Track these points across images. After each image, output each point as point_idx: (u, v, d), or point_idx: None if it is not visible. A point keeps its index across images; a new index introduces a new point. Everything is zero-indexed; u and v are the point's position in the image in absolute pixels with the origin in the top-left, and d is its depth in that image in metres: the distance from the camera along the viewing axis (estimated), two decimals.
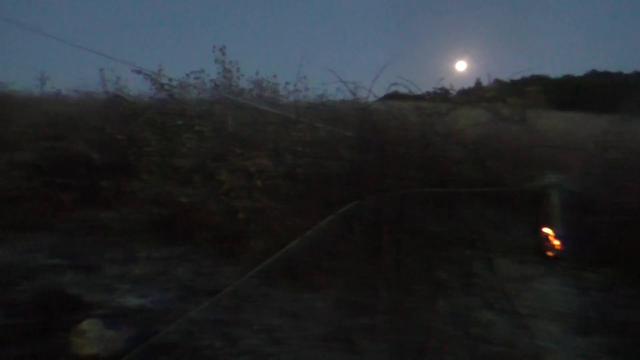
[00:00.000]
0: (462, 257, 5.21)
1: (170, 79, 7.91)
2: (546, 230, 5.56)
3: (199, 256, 5.17)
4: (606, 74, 48.21)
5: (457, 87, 9.38)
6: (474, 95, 8.39)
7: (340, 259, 4.59)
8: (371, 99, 7.65)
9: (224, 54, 7.84)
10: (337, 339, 3.66)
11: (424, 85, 7.66)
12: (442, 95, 8.51)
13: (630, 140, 6.00)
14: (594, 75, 49.32)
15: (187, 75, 8.02)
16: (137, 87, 8.85)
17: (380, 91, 7.78)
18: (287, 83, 8.46)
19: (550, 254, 5.45)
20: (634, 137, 6.06)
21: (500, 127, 7.20)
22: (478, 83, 10.76)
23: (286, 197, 5.18)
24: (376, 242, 4.61)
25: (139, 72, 6.98)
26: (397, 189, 5.25)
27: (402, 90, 7.38)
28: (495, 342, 3.74)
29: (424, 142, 6.27)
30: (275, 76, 8.63)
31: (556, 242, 5.43)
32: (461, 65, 13.60)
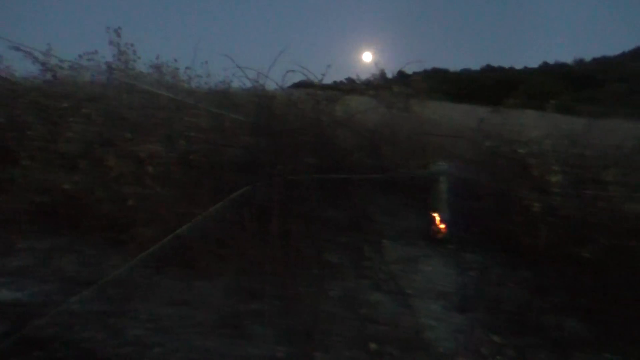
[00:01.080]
0: (353, 241, 5.38)
1: (61, 60, 7.43)
2: (433, 214, 5.86)
3: (85, 246, 4.91)
4: (500, 69, 51.66)
5: (363, 77, 9.69)
6: (360, 84, 8.65)
7: (232, 245, 4.56)
8: (274, 87, 7.65)
9: (119, 36, 7.48)
10: (227, 326, 3.64)
11: (334, 75, 7.85)
12: (347, 85, 8.72)
13: (507, 130, 6.45)
14: (489, 69, 52.65)
15: (80, 56, 7.60)
16: (24, 67, 8.23)
17: (288, 79, 7.82)
18: (187, 68, 8.26)
19: (436, 237, 5.76)
20: (511, 127, 6.52)
21: (394, 115, 7.48)
22: (382, 74, 11.07)
23: (178, 184, 5.05)
24: (268, 227, 4.62)
25: (17, 49, 6.45)
26: (291, 174, 5.29)
27: (301, 77, 7.46)
28: (381, 322, 3.89)
29: (318, 128, 6.36)
30: (176, 61, 8.39)
31: (441, 226, 5.75)
32: (367, 57, 13.88)
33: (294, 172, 5.40)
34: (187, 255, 4.46)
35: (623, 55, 50.03)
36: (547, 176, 5.15)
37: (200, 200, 4.84)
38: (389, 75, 10.58)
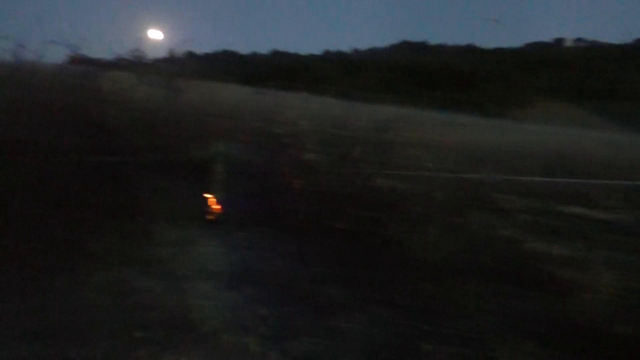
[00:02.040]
0: (121, 227, 5.14)
1: None
2: (208, 196, 5.88)
3: None
4: (287, 54, 53.88)
5: (154, 55, 9.29)
6: (148, 62, 8.32)
7: None
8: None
9: None
10: None
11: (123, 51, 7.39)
12: (133, 62, 8.27)
13: (278, 111, 6.75)
14: (276, 54, 54.54)
15: None
16: None
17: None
18: None
19: (211, 218, 5.80)
20: (283, 109, 6.84)
21: (170, 96, 7.29)
22: (171, 53, 10.75)
23: None
24: (17, 216, 4.14)
25: None
26: (50, 156, 4.82)
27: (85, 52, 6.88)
28: (148, 308, 3.77)
29: (85, 107, 5.90)
30: None
31: (216, 207, 5.81)
32: (156, 34, 13.12)
33: (54, 153, 4.92)
34: None
35: (392, 47, 56.32)
36: (303, 154, 5.54)
37: None
38: (179, 54, 10.37)
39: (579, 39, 52.48)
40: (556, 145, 15.50)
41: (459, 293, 4.39)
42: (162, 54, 10.96)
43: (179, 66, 8.65)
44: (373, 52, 51.39)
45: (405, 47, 53.01)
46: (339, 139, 5.92)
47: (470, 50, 54.76)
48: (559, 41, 52.40)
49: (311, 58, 51.10)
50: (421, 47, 53.42)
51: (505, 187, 7.15)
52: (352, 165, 5.56)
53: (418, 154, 6.26)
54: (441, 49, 54.34)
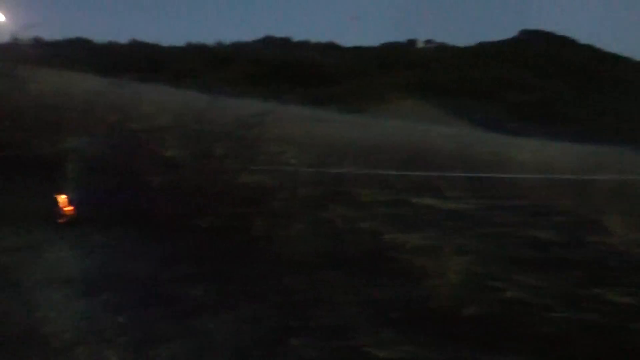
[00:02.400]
0: None
1: None
2: (60, 196, 5.43)
3: None
4: (147, 45, 51.53)
5: None
6: None
7: None
8: None
9: None
10: None
11: None
12: None
13: (137, 106, 6.45)
14: (135, 44, 51.95)
15: None
16: None
17: None
18: None
19: (62, 220, 5.36)
20: (142, 103, 6.55)
21: (13, 85, 6.63)
22: (15, 38, 9.79)
23: None
24: None
25: None
26: None
27: None
28: None
29: None
30: None
31: (69, 208, 5.39)
32: None
33: None
34: None
35: (256, 41, 56.48)
36: (164, 151, 5.37)
37: None
38: (23, 40, 9.51)
39: (429, 41, 56.58)
40: (409, 140, 16.58)
41: (324, 286, 4.51)
42: (3, 39, 9.98)
43: (23, 53, 7.90)
44: (237, 46, 51.02)
45: (269, 42, 53.49)
46: (203, 134, 5.80)
47: (331, 48, 56.68)
48: (411, 42, 56.10)
49: (173, 50, 49.42)
50: (285, 43, 54.22)
51: (364, 181, 7.50)
52: (217, 161, 5.47)
53: (282, 149, 6.35)
54: (304, 46, 55.50)
